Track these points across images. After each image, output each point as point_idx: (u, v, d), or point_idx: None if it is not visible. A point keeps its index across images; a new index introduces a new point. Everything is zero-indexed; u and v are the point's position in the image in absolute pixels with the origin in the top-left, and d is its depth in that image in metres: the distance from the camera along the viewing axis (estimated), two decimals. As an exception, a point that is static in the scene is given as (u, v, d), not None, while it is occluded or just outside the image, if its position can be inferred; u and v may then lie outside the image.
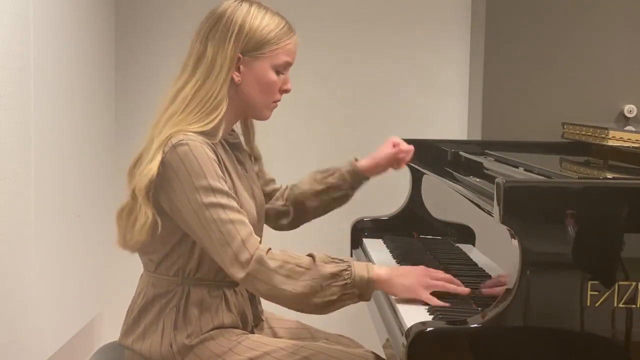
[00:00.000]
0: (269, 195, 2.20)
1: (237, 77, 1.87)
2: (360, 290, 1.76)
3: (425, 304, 1.81)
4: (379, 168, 2.25)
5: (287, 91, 1.94)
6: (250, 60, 1.87)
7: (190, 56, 1.88)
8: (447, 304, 1.78)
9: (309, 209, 2.22)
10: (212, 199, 1.76)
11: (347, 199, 2.24)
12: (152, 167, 1.77)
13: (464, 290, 1.83)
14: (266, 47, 1.87)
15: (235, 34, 1.85)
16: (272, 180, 2.25)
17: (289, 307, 1.78)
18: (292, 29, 1.92)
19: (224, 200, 1.77)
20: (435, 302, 1.79)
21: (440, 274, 1.86)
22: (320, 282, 1.74)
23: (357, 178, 2.22)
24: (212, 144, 1.82)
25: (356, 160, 2.23)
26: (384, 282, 1.80)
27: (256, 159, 2.11)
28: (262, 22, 1.86)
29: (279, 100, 1.94)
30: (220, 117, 1.84)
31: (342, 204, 2.25)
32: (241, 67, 1.87)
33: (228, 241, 1.75)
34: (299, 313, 1.82)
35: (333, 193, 2.21)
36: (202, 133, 1.81)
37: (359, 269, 1.77)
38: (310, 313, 1.77)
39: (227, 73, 1.85)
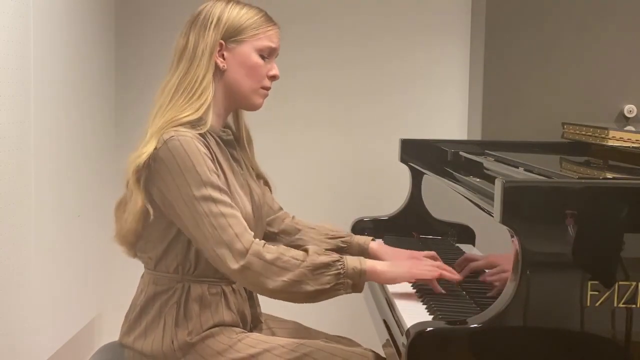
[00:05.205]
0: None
1: (221, 62, 1.91)
2: (354, 280, 1.81)
3: (423, 302, 1.84)
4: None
5: (274, 77, 1.97)
6: (233, 46, 1.92)
7: (174, 53, 1.94)
8: (443, 292, 1.90)
9: None
10: (204, 192, 1.78)
11: None
12: (142, 154, 1.80)
13: (455, 277, 1.93)
14: (246, 32, 1.92)
15: (214, 22, 1.91)
16: (279, 208, 2.20)
17: (283, 299, 1.80)
18: (271, 20, 1.97)
19: (216, 194, 1.79)
20: (436, 286, 1.91)
21: (430, 261, 1.98)
22: (313, 270, 1.78)
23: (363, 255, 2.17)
24: (205, 138, 1.85)
25: (373, 240, 2.20)
26: (379, 273, 1.86)
27: (247, 141, 2.06)
28: (240, 12, 1.93)
29: (268, 88, 1.96)
30: (208, 102, 1.87)
31: None
32: (225, 53, 1.92)
33: (221, 234, 1.76)
34: (298, 314, 1.81)
35: None
36: (192, 123, 1.84)
37: (352, 260, 1.83)
38: (302, 302, 1.80)
39: (210, 59, 1.89)
